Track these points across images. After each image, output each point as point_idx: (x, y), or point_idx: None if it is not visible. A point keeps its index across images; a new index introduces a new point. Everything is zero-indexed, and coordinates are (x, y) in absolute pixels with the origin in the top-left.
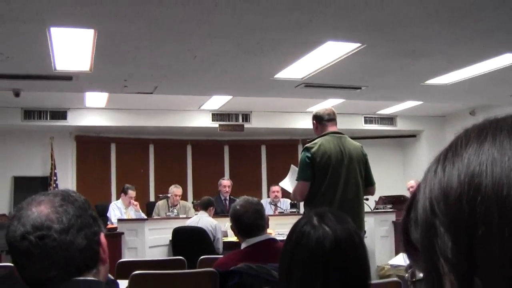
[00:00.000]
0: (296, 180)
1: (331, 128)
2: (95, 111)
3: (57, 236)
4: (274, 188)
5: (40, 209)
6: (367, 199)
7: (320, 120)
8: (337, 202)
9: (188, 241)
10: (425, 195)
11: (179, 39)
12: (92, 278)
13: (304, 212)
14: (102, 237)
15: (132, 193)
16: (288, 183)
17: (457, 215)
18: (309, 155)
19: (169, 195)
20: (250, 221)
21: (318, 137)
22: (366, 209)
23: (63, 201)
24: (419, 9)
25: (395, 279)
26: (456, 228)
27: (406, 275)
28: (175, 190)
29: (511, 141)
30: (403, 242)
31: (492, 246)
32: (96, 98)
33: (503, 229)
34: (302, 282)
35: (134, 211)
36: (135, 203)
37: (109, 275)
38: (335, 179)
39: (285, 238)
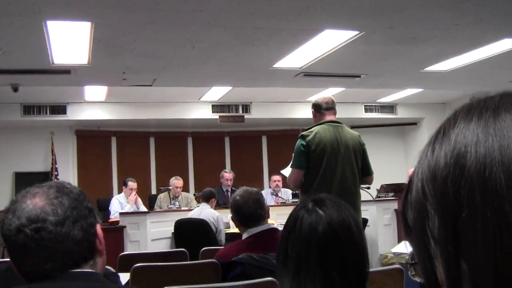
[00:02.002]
0: (290, 167)
1: (329, 117)
2: (94, 105)
3: (52, 228)
4: (275, 177)
5: (35, 202)
6: (368, 188)
7: (319, 109)
8: (333, 191)
9: (190, 233)
10: (417, 177)
11: (177, 29)
12: (89, 270)
13: (300, 201)
14: (99, 228)
15: (132, 184)
16: (289, 171)
17: (443, 197)
18: (304, 143)
19: (170, 187)
20: (250, 211)
21: (315, 126)
22: (368, 197)
23: (58, 192)
24: None
25: (398, 266)
26: (443, 210)
27: (407, 257)
28: (176, 182)
29: (495, 120)
30: (403, 225)
31: (475, 229)
32: (95, 92)
33: (485, 210)
34: (297, 267)
35: (128, 207)
36: (135, 196)
37: (110, 268)
38: (330, 168)
39: None
